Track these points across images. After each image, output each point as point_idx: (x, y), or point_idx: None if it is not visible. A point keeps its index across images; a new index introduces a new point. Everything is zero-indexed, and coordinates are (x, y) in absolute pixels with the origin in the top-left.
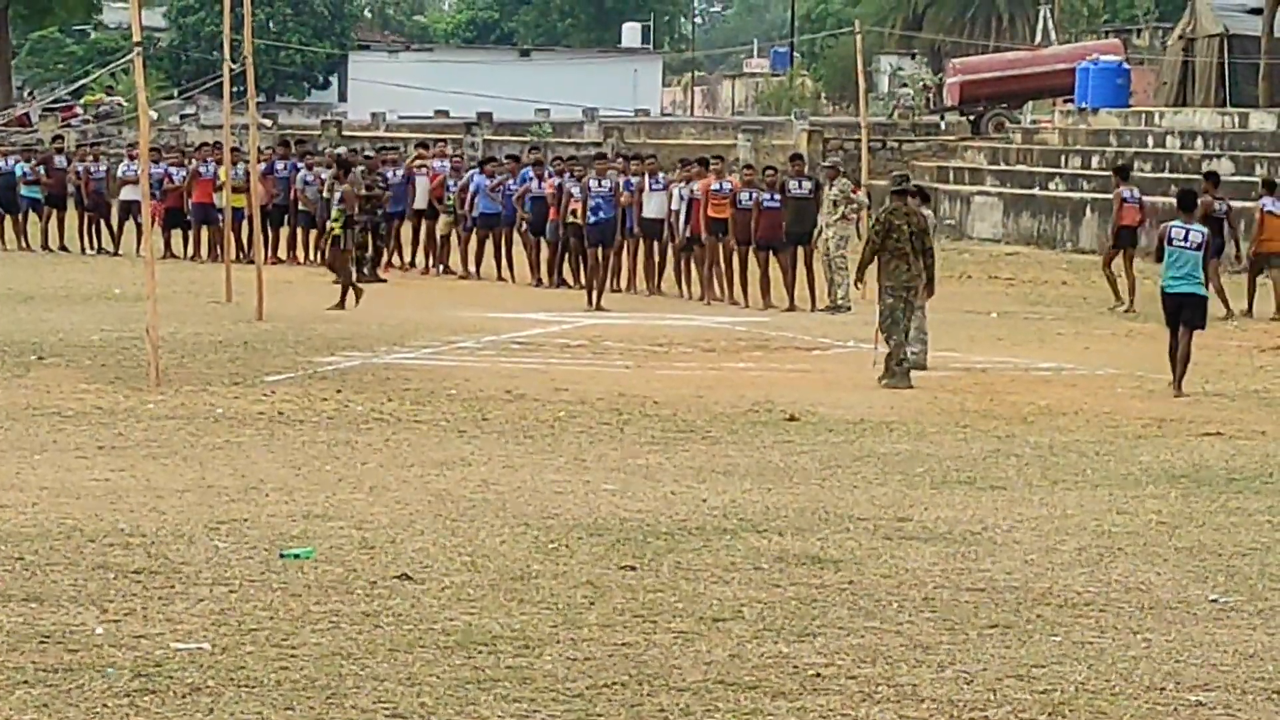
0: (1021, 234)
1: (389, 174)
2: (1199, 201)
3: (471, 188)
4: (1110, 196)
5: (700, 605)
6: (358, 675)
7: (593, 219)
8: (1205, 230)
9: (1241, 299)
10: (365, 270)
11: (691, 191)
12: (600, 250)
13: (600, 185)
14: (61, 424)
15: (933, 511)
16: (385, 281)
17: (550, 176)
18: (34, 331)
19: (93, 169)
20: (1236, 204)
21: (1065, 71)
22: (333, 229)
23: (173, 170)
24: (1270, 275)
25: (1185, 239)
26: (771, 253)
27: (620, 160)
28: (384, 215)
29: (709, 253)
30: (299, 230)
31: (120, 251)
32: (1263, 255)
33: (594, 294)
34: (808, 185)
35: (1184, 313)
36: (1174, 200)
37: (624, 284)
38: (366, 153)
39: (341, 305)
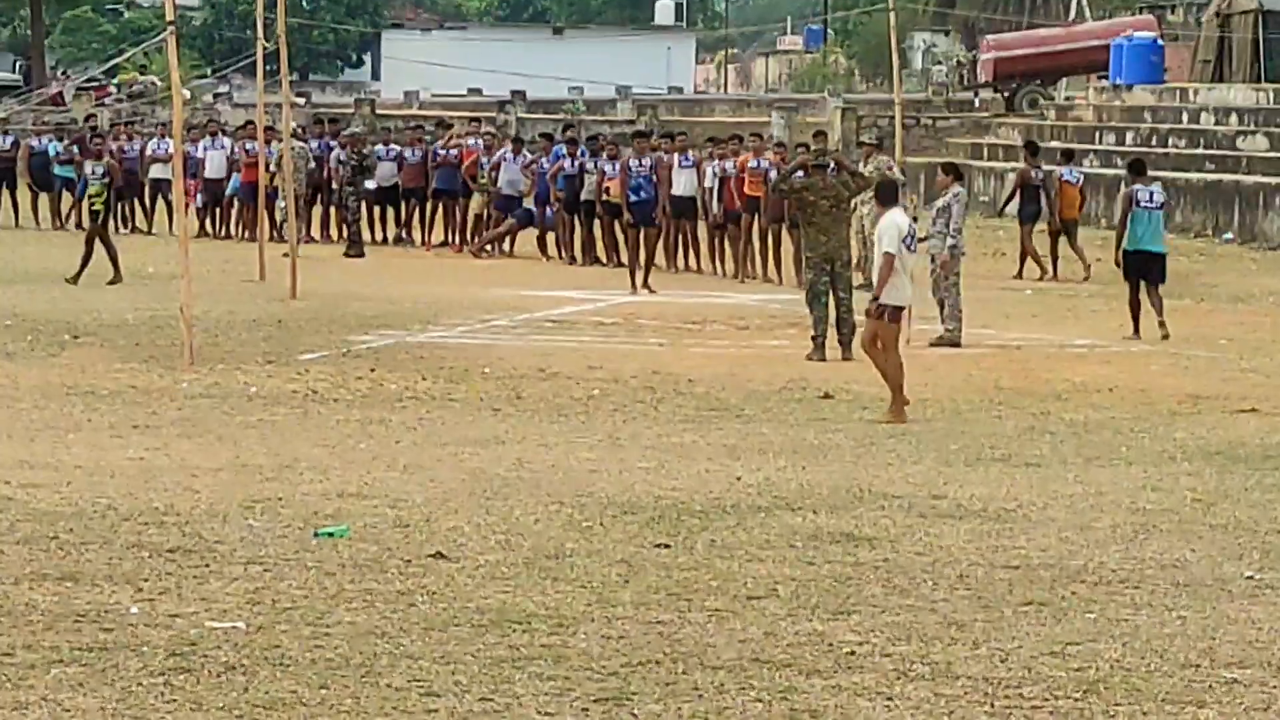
0: None
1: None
2: (1021, 170)
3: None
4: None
5: (735, 583)
6: (392, 654)
7: (634, 198)
8: (1164, 192)
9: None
10: (351, 245)
11: (724, 170)
12: (643, 231)
13: (641, 164)
14: (96, 403)
15: (967, 489)
16: (364, 257)
17: (582, 157)
18: (68, 311)
19: (126, 148)
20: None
21: (1099, 48)
22: (94, 202)
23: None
24: (1071, 241)
25: (1151, 200)
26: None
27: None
28: (363, 191)
29: (744, 230)
30: (333, 209)
31: (154, 231)
32: (1064, 221)
33: (638, 275)
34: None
35: (1149, 269)
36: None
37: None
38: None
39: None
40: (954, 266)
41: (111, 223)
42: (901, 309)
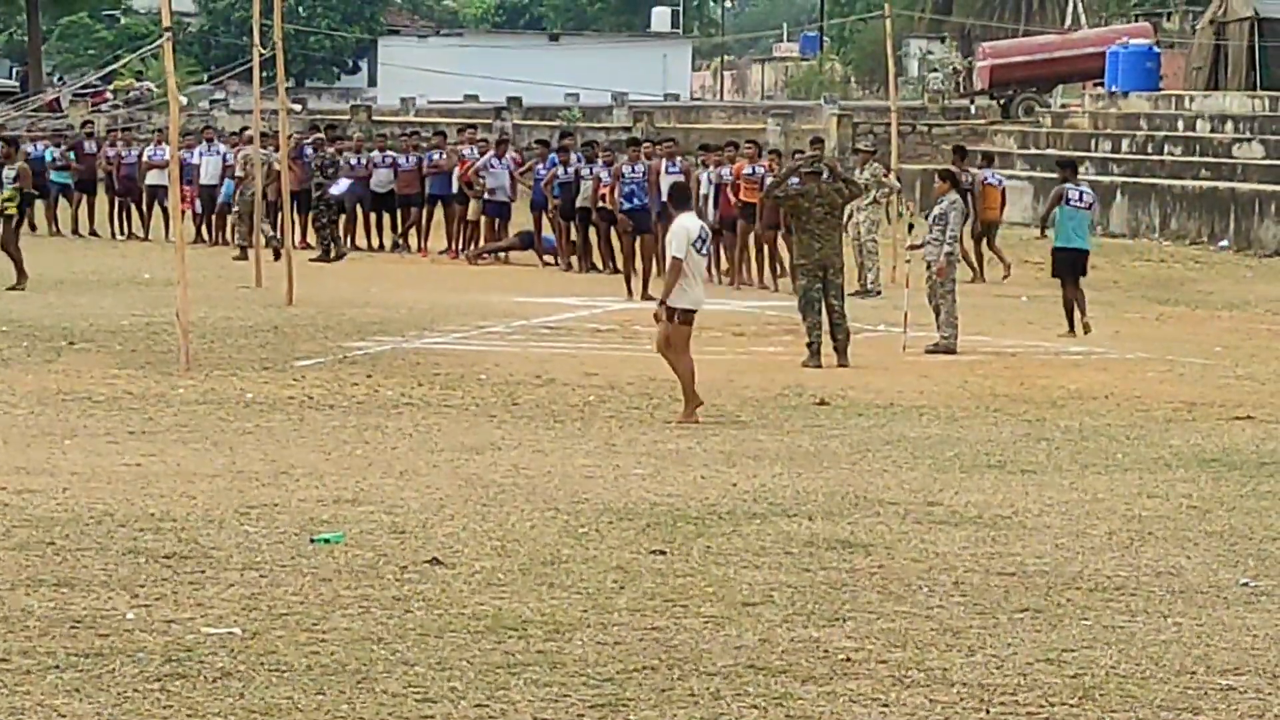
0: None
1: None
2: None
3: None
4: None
5: (730, 590)
6: (388, 660)
7: (626, 205)
8: (1093, 193)
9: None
10: (329, 250)
11: (719, 176)
12: (639, 238)
13: (634, 171)
14: (92, 409)
15: (963, 496)
16: (344, 256)
17: (576, 164)
18: (64, 316)
19: (124, 154)
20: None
21: (1095, 55)
22: (6, 208)
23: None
24: (990, 242)
25: (1080, 199)
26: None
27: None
28: (330, 196)
29: (739, 236)
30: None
31: (150, 236)
32: (985, 223)
33: (634, 282)
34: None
35: (1076, 265)
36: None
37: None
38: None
39: (19, 285)
40: (950, 273)
41: (109, 227)
42: (692, 311)
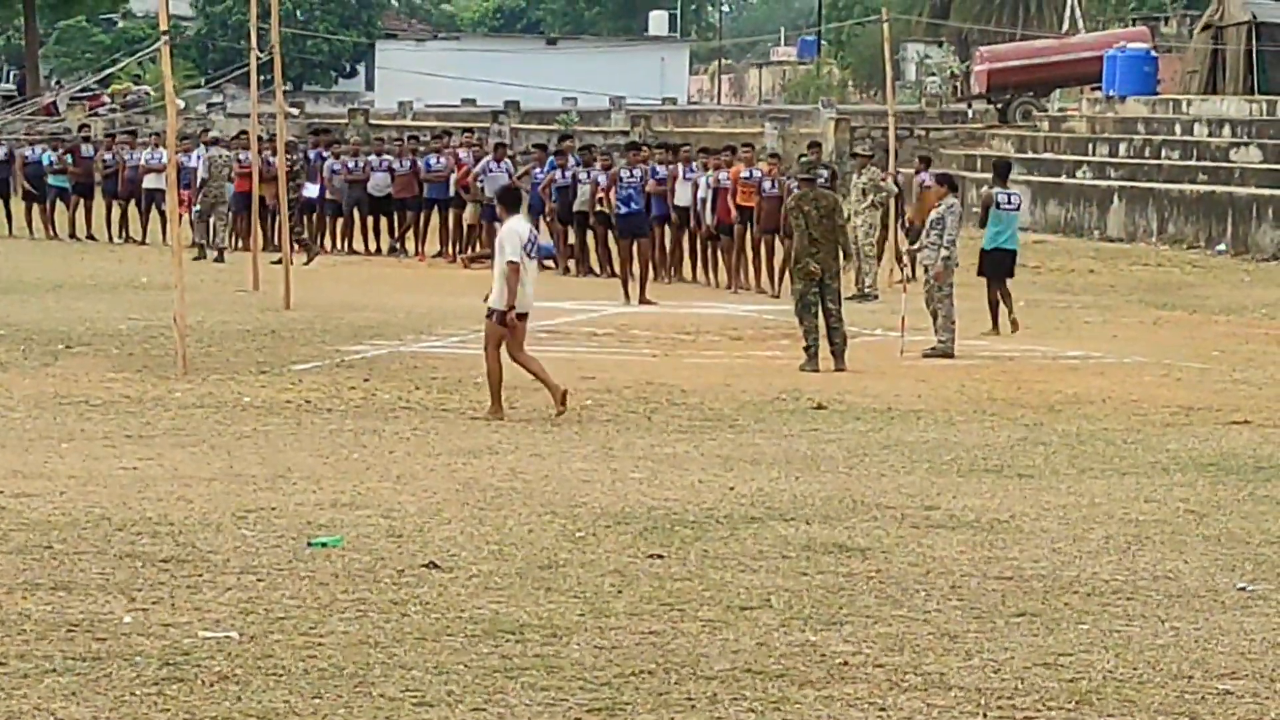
0: (1049, 222)
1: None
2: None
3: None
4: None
5: (727, 594)
6: (385, 664)
7: (623, 210)
8: (1020, 195)
9: None
10: (308, 253)
11: (718, 180)
12: (636, 242)
13: (631, 175)
14: (89, 413)
15: (960, 500)
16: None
17: (574, 167)
18: (62, 320)
19: (127, 157)
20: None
21: (1093, 59)
22: None
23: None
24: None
25: (1010, 202)
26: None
27: (647, 149)
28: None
29: (737, 240)
30: (326, 219)
31: (147, 240)
32: (919, 226)
33: (631, 287)
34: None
35: (1004, 265)
36: (1196, 187)
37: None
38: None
39: None
40: (948, 278)
41: (106, 231)
42: (520, 315)
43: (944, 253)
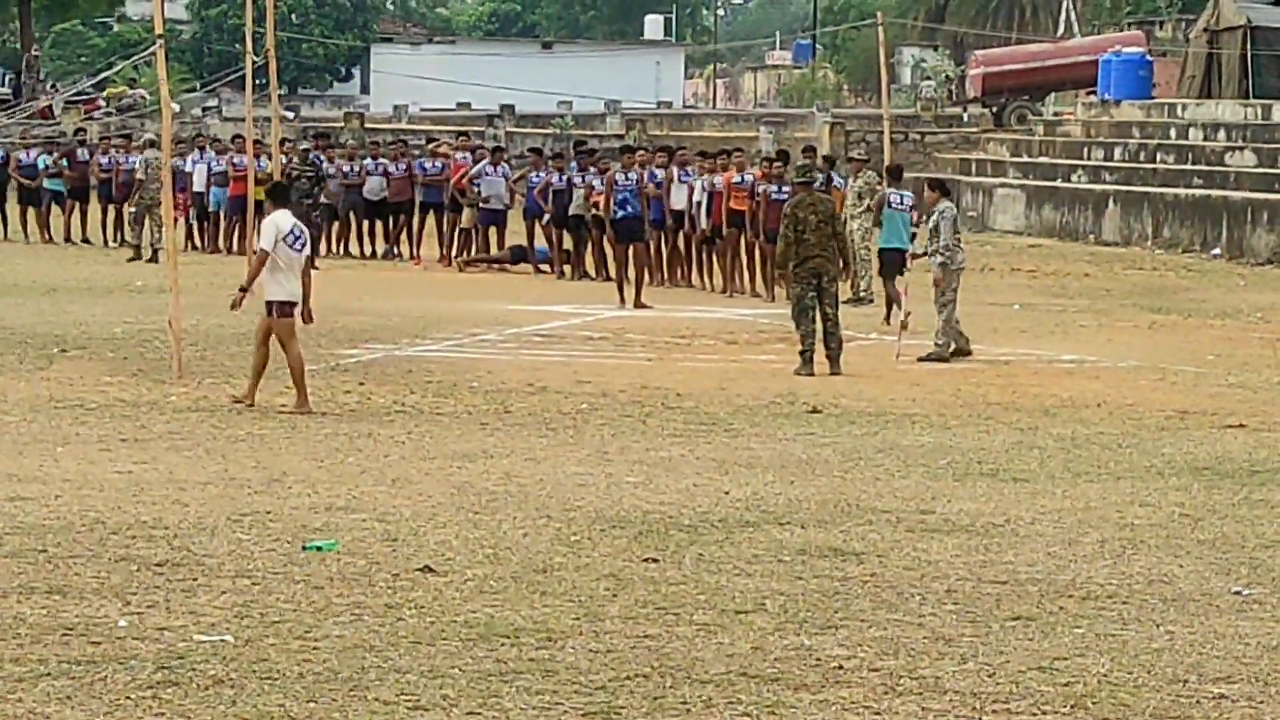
0: (1044, 226)
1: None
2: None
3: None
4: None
5: (722, 597)
6: (380, 667)
7: (619, 213)
8: (912, 194)
9: None
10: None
11: (712, 184)
12: (632, 247)
13: (627, 179)
14: (84, 416)
15: (955, 504)
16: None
17: (570, 171)
18: (57, 324)
19: (122, 161)
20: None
21: (1088, 63)
22: None
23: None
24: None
25: (901, 202)
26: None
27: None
28: (313, 204)
29: (730, 245)
30: (322, 223)
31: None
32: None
33: (626, 291)
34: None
35: (896, 262)
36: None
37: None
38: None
39: None
40: (950, 282)
41: (101, 234)
42: (290, 304)
43: (939, 259)
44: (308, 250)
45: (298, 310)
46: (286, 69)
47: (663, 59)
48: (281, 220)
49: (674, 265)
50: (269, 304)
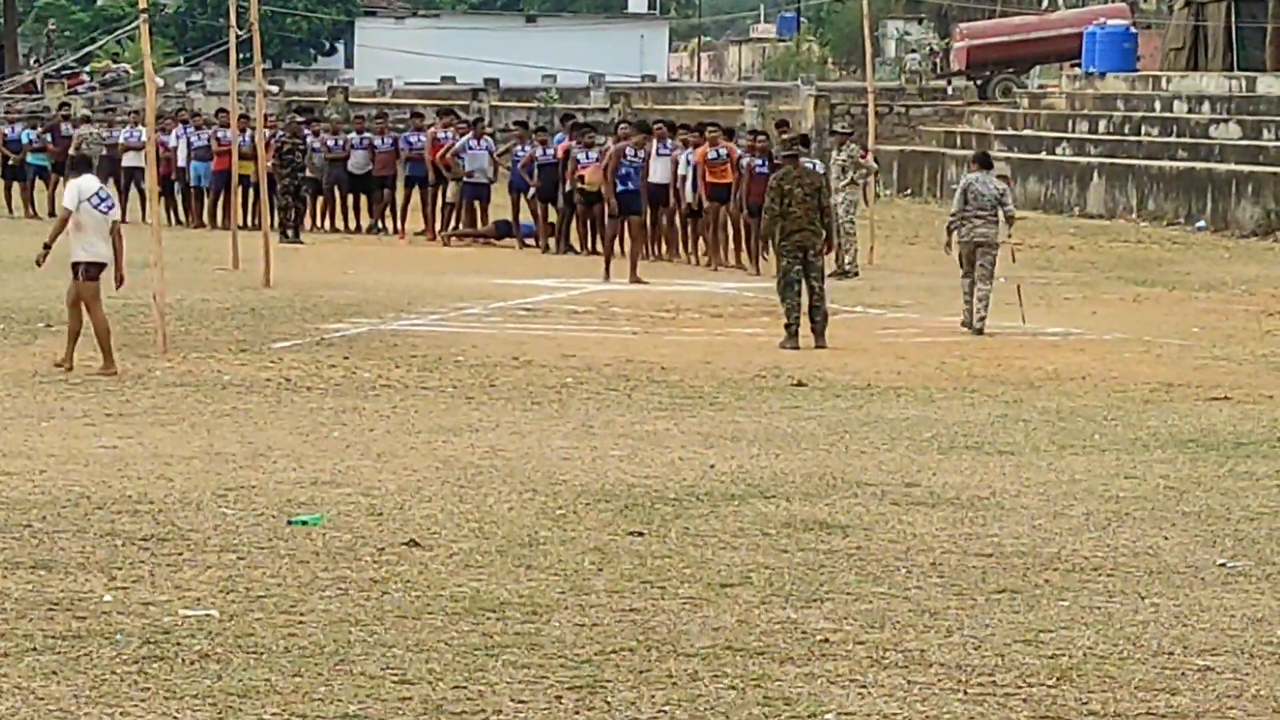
0: (1029, 199)
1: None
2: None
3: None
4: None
5: (708, 571)
6: (366, 642)
7: (622, 188)
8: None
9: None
10: (288, 232)
11: (705, 156)
12: (629, 221)
13: (635, 155)
14: (69, 391)
15: (940, 477)
16: (304, 244)
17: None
18: (41, 299)
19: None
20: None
21: (1072, 36)
22: None
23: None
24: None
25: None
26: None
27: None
28: (303, 179)
29: (712, 218)
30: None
31: (127, 219)
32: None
33: (620, 265)
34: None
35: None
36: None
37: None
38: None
39: None
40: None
41: None
42: (97, 265)
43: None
44: (116, 213)
45: (106, 274)
46: (271, 43)
47: (647, 32)
48: (85, 183)
49: (656, 239)
50: (74, 265)
